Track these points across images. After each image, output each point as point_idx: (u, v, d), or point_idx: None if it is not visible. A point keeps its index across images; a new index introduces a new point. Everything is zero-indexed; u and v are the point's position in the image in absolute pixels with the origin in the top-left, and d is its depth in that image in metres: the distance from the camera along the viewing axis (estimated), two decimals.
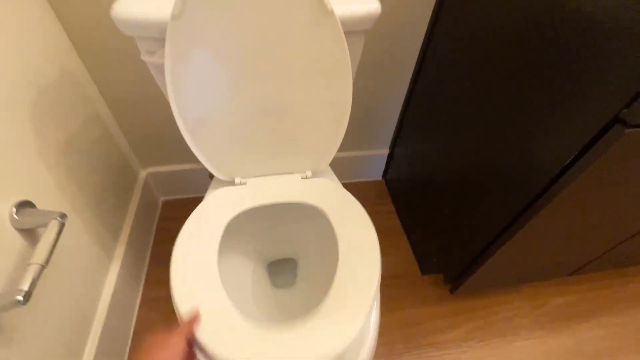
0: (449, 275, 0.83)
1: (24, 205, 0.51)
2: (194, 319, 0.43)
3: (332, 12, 0.46)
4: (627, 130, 0.37)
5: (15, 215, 0.49)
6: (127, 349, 0.77)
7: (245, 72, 0.51)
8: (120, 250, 0.79)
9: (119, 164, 0.85)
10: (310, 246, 0.73)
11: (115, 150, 0.84)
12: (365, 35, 0.56)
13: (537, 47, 0.48)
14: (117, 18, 0.47)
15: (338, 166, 1.13)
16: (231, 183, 0.64)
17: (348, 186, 1.16)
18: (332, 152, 0.64)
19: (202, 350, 0.42)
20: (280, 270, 0.81)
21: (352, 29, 0.52)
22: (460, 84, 0.68)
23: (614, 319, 0.91)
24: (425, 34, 0.79)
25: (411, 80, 0.90)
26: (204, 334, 0.42)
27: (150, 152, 0.95)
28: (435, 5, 0.73)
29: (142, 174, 0.99)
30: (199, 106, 0.53)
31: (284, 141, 0.62)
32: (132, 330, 0.80)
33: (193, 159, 0.84)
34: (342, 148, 1.08)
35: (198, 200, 0.60)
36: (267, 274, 0.76)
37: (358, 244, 0.54)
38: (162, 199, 1.09)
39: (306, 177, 0.66)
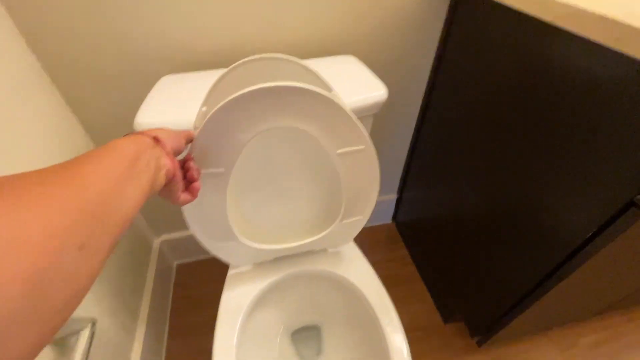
0: (474, 327, 0.82)
1: None
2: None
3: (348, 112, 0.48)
4: None
5: None
6: None
7: (263, 173, 0.53)
8: (140, 331, 0.78)
9: (136, 239, 0.86)
10: (334, 313, 0.73)
11: (134, 228, 0.85)
12: (373, 117, 0.58)
13: (548, 107, 0.50)
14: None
15: None
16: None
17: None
18: (357, 230, 0.64)
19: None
20: (304, 339, 0.80)
21: (362, 114, 0.55)
22: (466, 134, 0.70)
23: None
24: (428, 83, 0.82)
25: (415, 127, 0.92)
26: None
27: (163, 221, 0.96)
28: (437, 51, 0.76)
29: (156, 242, 0.99)
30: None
31: (304, 228, 0.63)
32: None
33: None
34: None
35: (211, 260, 0.61)
36: (294, 344, 0.75)
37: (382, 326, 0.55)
38: (175, 263, 1.09)
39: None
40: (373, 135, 0.92)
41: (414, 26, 0.71)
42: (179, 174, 0.34)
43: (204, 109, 0.48)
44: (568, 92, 0.46)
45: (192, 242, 1.04)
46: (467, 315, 0.83)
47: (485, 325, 0.76)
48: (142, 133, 0.31)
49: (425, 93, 0.84)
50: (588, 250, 0.48)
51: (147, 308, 0.83)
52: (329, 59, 0.64)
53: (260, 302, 0.62)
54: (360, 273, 0.63)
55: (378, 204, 1.15)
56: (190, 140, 0.40)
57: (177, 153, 0.35)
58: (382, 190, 1.12)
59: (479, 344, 0.83)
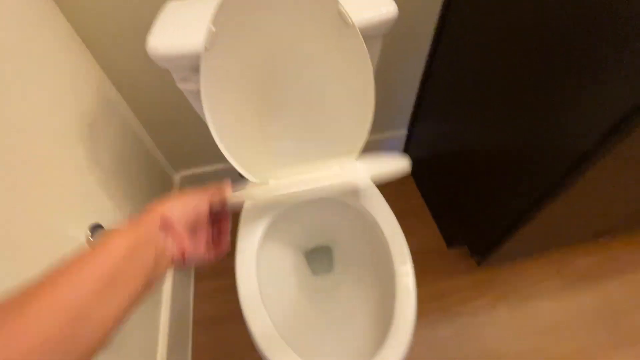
0: (475, 249, 0.88)
1: (96, 228, 0.58)
2: (224, 187, 0.37)
3: (353, 25, 0.48)
4: None
5: (91, 238, 0.56)
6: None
7: (274, 85, 0.54)
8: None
9: (157, 174, 0.92)
10: (344, 235, 0.79)
11: (154, 163, 0.90)
12: (382, 38, 0.57)
13: (562, 29, 0.48)
14: (153, 54, 0.50)
15: None
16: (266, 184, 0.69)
17: None
18: (359, 145, 0.67)
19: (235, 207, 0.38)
20: (317, 257, 0.88)
21: (370, 34, 0.54)
22: (482, 63, 0.68)
23: (638, 276, 0.94)
24: (442, 8, 0.78)
25: (427, 59, 0.89)
26: None
27: (182, 158, 1.01)
28: None
29: (177, 177, 1.06)
30: (235, 122, 0.57)
31: (312, 142, 0.65)
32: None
33: (220, 159, 0.89)
34: None
35: None
36: (306, 262, 0.83)
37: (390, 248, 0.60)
38: None
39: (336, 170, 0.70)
40: (382, 62, 0.91)
41: None
42: (194, 252, 0.31)
43: (214, 29, 0.48)
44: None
45: (211, 178, 1.10)
46: (469, 238, 0.89)
47: (484, 246, 0.82)
48: (152, 210, 0.28)
49: (442, 10, 0.79)
50: (591, 160, 0.49)
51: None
52: None
53: (275, 227, 0.68)
54: (374, 203, 0.67)
55: (388, 140, 1.17)
56: (221, 197, 0.35)
57: (196, 222, 0.31)
58: (392, 125, 1.12)
59: (479, 263, 0.89)
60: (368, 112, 0.62)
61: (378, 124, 1.10)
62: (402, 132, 1.15)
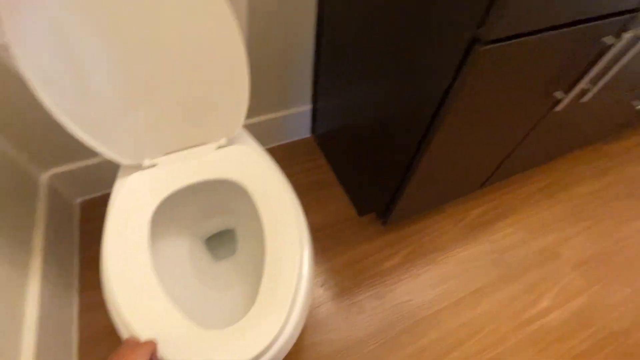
0: (379, 211, 0.90)
1: None
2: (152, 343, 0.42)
3: None
4: (482, 48, 0.42)
5: None
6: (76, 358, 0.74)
7: (123, 51, 0.46)
8: (36, 263, 0.72)
9: (11, 173, 0.75)
10: (243, 215, 0.74)
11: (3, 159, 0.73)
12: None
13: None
14: None
15: (262, 130, 1.11)
16: (140, 167, 0.60)
17: (277, 149, 1.19)
18: (241, 113, 0.63)
19: None
20: (221, 242, 0.81)
21: None
22: (356, 33, 0.69)
23: (517, 216, 1.08)
24: None
25: (315, 34, 0.89)
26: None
27: (49, 152, 0.84)
28: None
29: (44, 177, 0.88)
30: (77, 91, 0.48)
31: (186, 111, 0.58)
32: (75, 339, 0.77)
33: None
34: (262, 111, 1.06)
35: None
36: (207, 248, 0.76)
37: (280, 218, 0.55)
38: (79, 200, 1.00)
39: (221, 146, 0.64)
40: (272, 44, 0.87)
41: None
42: None
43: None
44: None
45: (95, 172, 0.95)
46: (372, 203, 0.91)
47: (384, 207, 0.84)
48: None
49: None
50: (446, 107, 0.52)
51: (41, 241, 0.76)
52: None
53: (162, 214, 0.60)
54: (255, 173, 0.60)
55: (293, 116, 1.14)
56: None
57: None
58: (296, 102, 1.10)
59: (384, 224, 0.92)
60: (243, 83, 0.57)
61: (281, 101, 1.07)
62: (307, 108, 1.13)
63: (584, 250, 1.02)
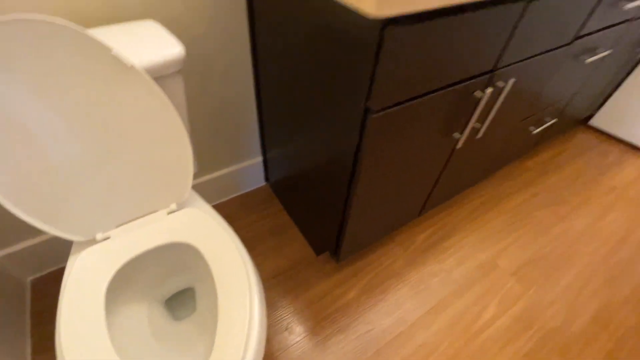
0: (331, 249, 0.98)
1: None
2: None
3: (132, 67, 0.51)
4: (374, 116, 0.53)
5: None
6: None
7: (66, 129, 0.52)
8: None
9: None
10: (200, 273, 0.77)
11: None
12: (181, 74, 0.62)
13: (320, 53, 0.61)
14: None
15: (218, 184, 1.17)
16: (93, 242, 0.64)
17: (234, 200, 1.25)
18: (188, 179, 0.69)
19: None
20: (182, 302, 0.83)
21: (163, 74, 0.58)
22: (287, 91, 0.80)
23: (459, 235, 1.20)
24: (250, 40, 0.88)
25: (254, 85, 0.99)
26: None
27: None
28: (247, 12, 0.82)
29: None
30: (21, 170, 0.52)
31: (134, 182, 0.64)
32: None
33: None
34: (216, 167, 1.13)
35: None
36: (168, 309, 0.78)
37: (231, 275, 0.60)
38: (29, 278, 0.97)
39: (172, 211, 0.70)
40: (216, 101, 0.97)
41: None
42: None
43: None
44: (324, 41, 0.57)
45: (47, 249, 0.94)
46: (324, 242, 0.98)
47: (334, 244, 0.92)
48: None
49: (252, 56, 0.90)
50: (360, 158, 0.63)
51: None
52: (123, 25, 0.64)
53: (118, 284, 0.63)
54: (205, 234, 0.66)
55: (246, 168, 1.22)
56: None
57: None
58: (247, 155, 1.18)
59: (338, 261, 0.99)
60: (186, 150, 0.64)
61: (233, 156, 1.14)
62: (259, 159, 1.22)
63: (517, 259, 1.15)
